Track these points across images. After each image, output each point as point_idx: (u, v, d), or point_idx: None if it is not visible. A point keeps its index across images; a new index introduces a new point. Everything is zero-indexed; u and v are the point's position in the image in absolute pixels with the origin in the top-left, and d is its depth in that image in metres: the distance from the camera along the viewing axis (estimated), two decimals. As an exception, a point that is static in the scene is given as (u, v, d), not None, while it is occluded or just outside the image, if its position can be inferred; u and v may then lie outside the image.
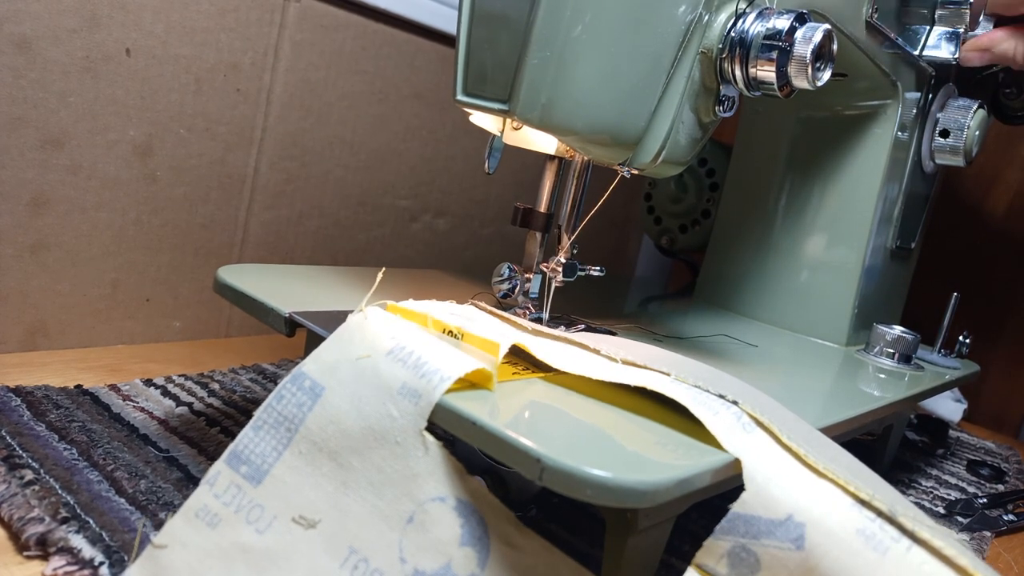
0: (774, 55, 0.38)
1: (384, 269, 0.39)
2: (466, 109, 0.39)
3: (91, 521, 0.33)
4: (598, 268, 0.45)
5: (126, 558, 0.31)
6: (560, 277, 0.42)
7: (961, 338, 0.67)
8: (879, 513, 0.26)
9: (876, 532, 0.26)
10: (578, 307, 0.50)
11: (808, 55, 0.38)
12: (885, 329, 0.58)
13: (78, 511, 0.34)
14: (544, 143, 0.42)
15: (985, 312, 0.82)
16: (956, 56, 0.58)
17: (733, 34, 0.38)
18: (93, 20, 0.49)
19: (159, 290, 0.57)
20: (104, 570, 0.30)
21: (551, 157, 0.43)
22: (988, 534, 0.52)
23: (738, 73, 0.39)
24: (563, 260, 0.43)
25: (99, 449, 0.39)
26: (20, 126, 0.47)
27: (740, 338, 0.54)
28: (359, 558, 0.27)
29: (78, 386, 0.47)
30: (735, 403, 0.31)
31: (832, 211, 0.61)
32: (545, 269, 0.43)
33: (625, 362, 0.35)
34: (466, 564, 0.27)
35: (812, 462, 0.28)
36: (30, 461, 0.37)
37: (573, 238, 0.43)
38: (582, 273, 0.44)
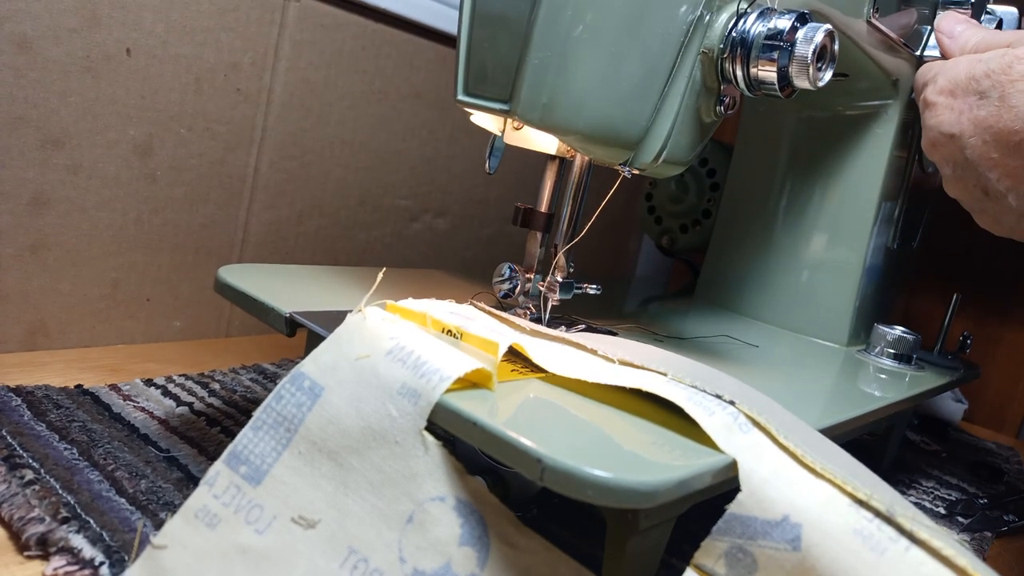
0: (775, 55, 0.38)
1: (384, 269, 0.39)
2: (467, 109, 0.39)
3: (91, 521, 0.33)
4: (595, 286, 0.44)
5: (126, 558, 0.31)
6: (557, 296, 0.42)
7: (962, 338, 0.66)
8: (877, 513, 0.26)
9: (874, 532, 0.26)
10: (578, 307, 0.50)
11: (809, 55, 0.38)
12: (886, 329, 0.58)
13: (78, 511, 0.34)
14: (545, 143, 0.42)
15: (985, 312, 0.82)
16: (957, 56, 0.58)
17: (734, 34, 0.38)
18: (93, 20, 0.49)
19: (159, 290, 0.57)
20: (104, 570, 0.30)
21: (552, 157, 0.43)
22: (989, 534, 0.52)
23: (739, 73, 0.39)
24: (559, 280, 0.42)
25: (99, 449, 0.39)
26: (20, 126, 0.47)
27: (741, 338, 0.54)
28: (359, 558, 0.27)
29: (78, 386, 0.47)
30: (732, 403, 0.31)
31: (833, 211, 0.61)
32: (541, 288, 0.42)
33: (622, 362, 0.35)
34: (466, 564, 0.27)
35: (809, 462, 0.28)
36: (30, 461, 0.37)
37: (571, 245, 0.42)
38: (579, 291, 0.43)
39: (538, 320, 0.43)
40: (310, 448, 0.29)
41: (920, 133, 0.49)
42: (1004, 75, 0.41)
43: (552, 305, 0.43)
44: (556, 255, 0.43)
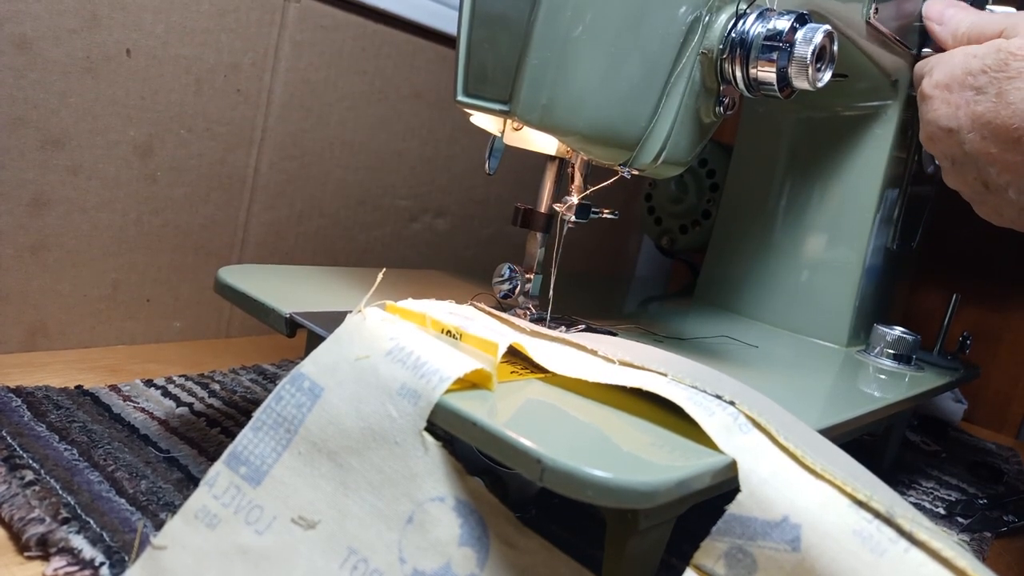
0: (774, 56, 0.38)
1: (384, 270, 0.39)
2: (466, 110, 0.39)
3: (92, 522, 0.33)
4: (612, 211, 0.42)
5: (127, 558, 0.31)
6: (573, 218, 0.41)
7: (961, 338, 0.66)
8: (876, 514, 0.26)
9: (873, 533, 0.26)
10: (578, 307, 0.50)
11: (809, 56, 0.38)
12: (885, 330, 0.58)
13: (79, 511, 0.34)
14: (544, 143, 0.42)
15: (985, 312, 0.82)
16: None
17: (733, 35, 0.38)
18: (93, 20, 0.49)
19: (159, 290, 0.57)
20: (105, 571, 0.30)
21: (551, 157, 0.43)
22: (988, 535, 0.52)
23: (738, 74, 0.39)
24: (576, 201, 0.41)
25: (100, 449, 0.39)
26: (20, 126, 0.47)
27: (740, 339, 0.54)
28: (358, 558, 0.28)
29: (78, 386, 0.47)
30: (732, 403, 0.31)
31: (832, 211, 0.61)
32: (559, 209, 0.41)
33: (622, 363, 0.35)
34: (465, 564, 0.27)
35: (809, 463, 0.28)
36: (31, 461, 0.37)
37: (590, 192, 0.41)
38: (595, 215, 0.42)
39: (539, 320, 0.43)
40: (310, 449, 0.29)
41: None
42: (1000, 72, 0.41)
43: (569, 228, 0.41)
44: (574, 176, 0.41)
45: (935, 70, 0.46)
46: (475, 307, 0.40)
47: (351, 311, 0.32)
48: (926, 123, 0.47)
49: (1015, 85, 0.40)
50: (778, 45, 0.38)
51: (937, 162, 0.49)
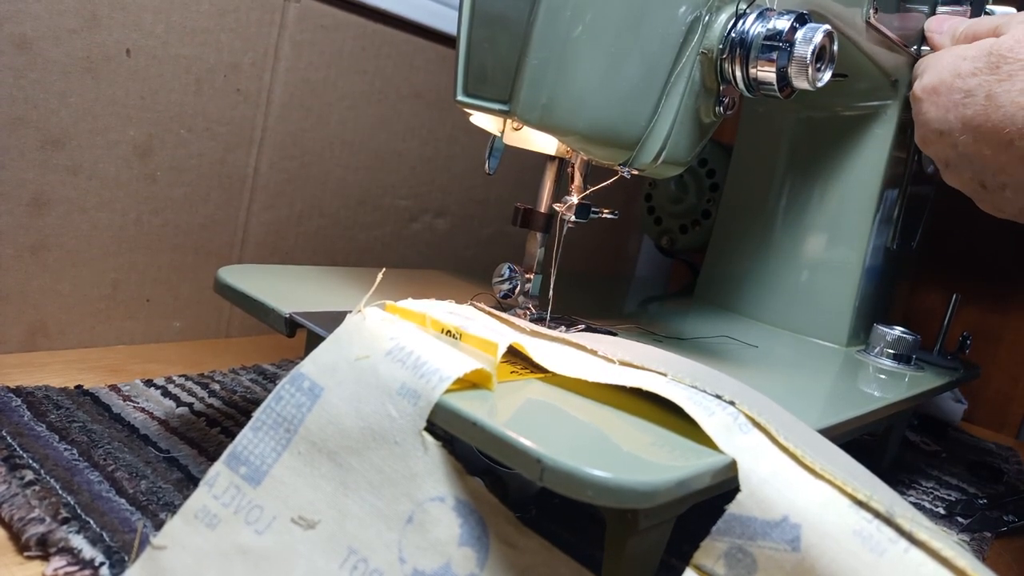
0: (774, 56, 0.38)
1: (384, 269, 0.39)
2: (466, 109, 0.39)
3: (91, 521, 0.33)
4: (612, 211, 0.42)
5: (126, 558, 0.31)
6: (573, 218, 0.41)
7: (961, 338, 0.67)
8: (876, 514, 0.26)
9: (873, 533, 0.26)
10: (578, 307, 0.50)
11: (808, 55, 0.38)
12: (885, 329, 0.58)
13: (78, 511, 0.34)
14: (544, 143, 0.42)
15: (985, 312, 0.82)
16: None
17: (733, 35, 0.38)
18: (93, 20, 0.49)
19: (159, 290, 0.57)
20: (104, 570, 0.30)
21: (551, 157, 0.43)
22: (988, 535, 0.52)
23: (738, 74, 0.39)
24: (576, 201, 0.41)
25: (99, 449, 0.39)
26: (20, 126, 0.47)
27: (740, 338, 0.54)
28: (358, 558, 0.28)
29: (78, 386, 0.47)
30: (732, 403, 0.31)
31: (832, 211, 0.61)
32: (558, 209, 0.41)
33: (622, 363, 0.35)
34: (465, 564, 0.27)
35: (809, 463, 0.28)
36: (31, 461, 0.37)
37: (589, 191, 0.41)
38: (595, 215, 0.42)
39: (539, 320, 0.43)
40: (310, 449, 0.29)
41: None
42: (992, 75, 0.41)
43: (569, 228, 0.41)
44: (573, 175, 0.41)
45: (925, 73, 0.46)
46: (475, 307, 0.40)
47: (351, 311, 0.32)
48: (919, 125, 0.47)
49: (1005, 88, 0.40)
50: (778, 45, 0.38)
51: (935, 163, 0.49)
